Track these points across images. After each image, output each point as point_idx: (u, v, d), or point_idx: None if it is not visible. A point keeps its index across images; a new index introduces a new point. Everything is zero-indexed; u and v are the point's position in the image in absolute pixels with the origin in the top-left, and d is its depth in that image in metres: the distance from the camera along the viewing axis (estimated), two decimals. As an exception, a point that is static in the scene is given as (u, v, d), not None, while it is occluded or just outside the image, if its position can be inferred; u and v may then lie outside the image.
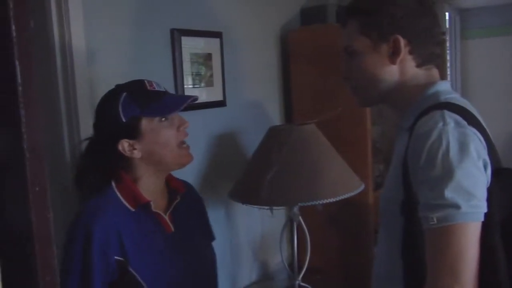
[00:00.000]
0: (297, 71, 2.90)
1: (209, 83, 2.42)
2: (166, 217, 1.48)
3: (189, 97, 1.48)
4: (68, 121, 1.85)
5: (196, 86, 2.33)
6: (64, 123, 1.85)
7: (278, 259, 2.63)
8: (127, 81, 1.78)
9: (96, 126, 1.49)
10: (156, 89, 1.45)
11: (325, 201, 2.05)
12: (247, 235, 2.69)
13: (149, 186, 1.46)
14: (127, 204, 1.41)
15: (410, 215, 1.13)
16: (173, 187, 1.55)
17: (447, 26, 6.57)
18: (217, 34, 2.45)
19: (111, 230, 1.35)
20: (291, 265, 2.50)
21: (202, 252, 1.60)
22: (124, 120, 1.39)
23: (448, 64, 6.52)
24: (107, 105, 1.44)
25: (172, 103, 1.44)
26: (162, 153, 1.43)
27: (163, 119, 1.43)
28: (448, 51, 6.49)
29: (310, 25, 2.97)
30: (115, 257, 1.35)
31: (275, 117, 2.94)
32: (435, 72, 1.29)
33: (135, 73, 2.07)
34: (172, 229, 1.48)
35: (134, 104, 1.40)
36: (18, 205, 0.73)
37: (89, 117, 1.87)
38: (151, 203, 1.43)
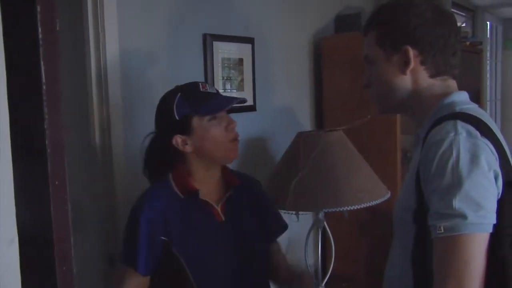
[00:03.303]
0: (329, 77, 2.91)
1: (240, 88, 2.45)
2: (218, 207, 1.60)
3: (235, 98, 1.63)
4: (100, 122, 1.91)
5: (227, 90, 2.37)
6: (96, 124, 1.91)
7: (303, 265, 2.63)
8: (158, 83, 1.84)
9: (155, 122, 1.64)
10: (208, 90, 1.59)
11: (350, 208, 2.06)
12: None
13: (202, 177, 1.60)
14: (177, 191, 1.57)
15: (422, 223, 1.13)
16: (227, 180, 1.65)
17: (488, 35, 6.46)
18: (249, 40, 2.49)
19: (159, 213, 1.52)
20: (316, 271, 2.51)
21: (252, 245, 1.66)
22: (177, 117, 1.54)
23: (488, 74, 6.40)
24: (164, 103, 1.60)
25: (219, 103, 1.57)
26: (210, 149, 1.56)
27: (212, 118, 1.55)
28: (488, 61, 6.37)
29: (344, 32, 2.98)
30: (161, 237, 1.51)
31: (305, 123, 2.95)
32: (451, 82, 1.29)
33: (167, 76, 2.13)
34: (223, 218, 1.59)
35: (187, 103, 1.54)
36: (39, 197, 0.77)
37: (120, 119, 1.93)
38: (199, 191, 1.56)
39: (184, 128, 1.54)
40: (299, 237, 2.69)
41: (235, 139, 1.59)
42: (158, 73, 2.10)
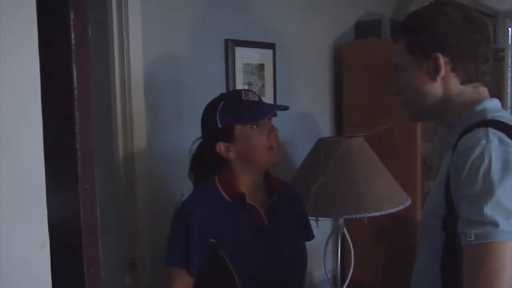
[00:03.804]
0: (349, 84, 2.91)
1: (261, 93, 2.46)
2: (262, 211, 1.63)
3: (277, 106, 1.67)
4: (123, 126, 1.93)
5: (259, 96, 2.38)
6: (119, 129, 1.93)
7: (322, 271, 2.62)
8: (180, 88, 1.85)
9: (201, 129, 1.67)
10: (251, 99, 1.61)
11: (370, 214, 2.05)
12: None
13: (246, 182, 1.63)
14: (224, 195, 1.60)
15: (451, 230, 1.12)
16: (271, 185, 1.68)
17: (510, 42, 6.39)
18: (270, 45, 2.50)
19: (208, 215, 1.55)
20: (335, 277, 2.50)
21: (293, 249, 1.70)
22: (220, 126, 1.57)
23: (509, 81, 6.32)
24: (208, 112, 1.63)
25: (260, 112, 1.59)
26: (253, 155, 1.59)
27: (254, 126, 1.57)
28: (509, 68, 6.29)
29: (364, 38, 2.97)
30: (210, 239, 1.54)
31: (326, 129, 2.95)
32: (482, 89, 1.28)
33: (189, 81, 2.15)
34: (266, 222, 1.63)
35: (229, 112, 1.57)
36: (69, 200, 0.78)
37: (143, 123, 1.94)
38: (246, 195, 1.59)
39: (227, 136, 1.58)
40: (318, 243, 2.68)
41: (276, 146, 1.62)
42: (181, 78, 2.12)
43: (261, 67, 2.45)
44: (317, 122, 2.89)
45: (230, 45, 2.28)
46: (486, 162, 1.06)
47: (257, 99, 1.63)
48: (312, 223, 2.15)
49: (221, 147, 1.58)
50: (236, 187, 1.60)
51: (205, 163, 1.66)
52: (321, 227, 2.20)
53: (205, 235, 1.54)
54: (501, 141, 1.09)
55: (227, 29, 2.30)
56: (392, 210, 2.10)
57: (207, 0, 2.24)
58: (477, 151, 1.08)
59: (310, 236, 1.85)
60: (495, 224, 1.02)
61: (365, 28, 3.02)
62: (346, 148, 2.19)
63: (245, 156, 1.59)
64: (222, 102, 1.59)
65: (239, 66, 2.33)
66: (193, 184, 1.72)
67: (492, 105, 1.24)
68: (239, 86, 2.34)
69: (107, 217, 2.02)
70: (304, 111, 2.79)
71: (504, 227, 1.02)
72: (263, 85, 2.47)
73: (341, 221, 2.29)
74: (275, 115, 1.67)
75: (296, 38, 2.70)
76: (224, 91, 2.28)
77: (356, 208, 2.07)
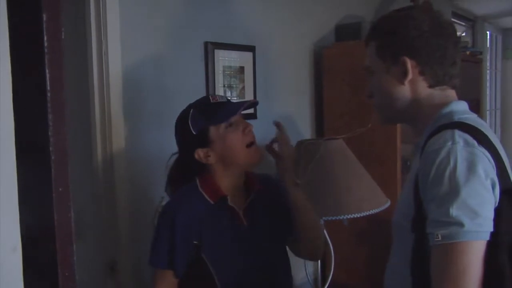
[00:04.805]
0: (330, 86, 2.93)
1: (241, 96, 2.46)
2: (241, 212, 1.62)
3: (245, 102, 1.64)
4: (102, 130, 1.92)
5: (228, 98, 2.38)
6: (98, 133, 1.92)
7: (302, 273, 2.63)
8: (160, 91, 1.85)
9: (176, 142, 1.67)
10: (219, 100, 1.62)
11: (350, 216, 2.06)
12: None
13: (227, 184, 1.63)
14: (207, 197, 1.60)
15: (420, 231, 1.14)
16: (249, 184, 1.68)
17: (488, 45, 6.48)
18: (250, 48, 2.50)
19: (192, 217, 1.56)
20: (315, 279, 2.51)
21: (273, 249, 1.68)
22: (194, 132, 1.58)
23: (488, 84, 6.42)
24: (180, 122, 1.63)
25: (230, 110, 1.59)
26: (232, 155, 1.59)
27: (228, 125, 1.58)
28: (488, 70, 6.39)
29: (344, 41, 2.99)
30: (194, 241, 1.54)
31: (306, 131, 2.96)
32: (450, 92, 1.30)
33: (169, 84, 2.14)
34: (245, 223, 1.62)
35: (201, 117, 1.58)
36: (43, 203, 0.78)
37: (121, 127, 1.93)
38: (228, 197, 1.59)
39: (203, 141, 1.58)
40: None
41: (252, 142, 1.63)
42: (160, 81, 2.12)
43: (241, 69, 2.45)
44: (298, 124, 2.90)
45: (210, 47, 2.28)
46: (451, 163, 1.08)
47: (225, 100, 1.64)
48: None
49: (199, 153, 1.58)
50: (219, 189, 1.60)
51: (186, 174, 1.66)
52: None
53: (189, 237, 1.54)
54: (466, 143, 1.11)
55: (207, 31, 2.30)
56: (371, 212, 2.11)
57: (187, 3, 2.24)
58: (443, 153, 1.10)
59: (290, 230, 1.80)
60: (460, 225, 1.04)
61: (345, 31, 3.05)
62: (326, 150, 2.21)
63: (224, 158, 1.59)
64: (192, 109, 1.60)
65: (219, 68, 2.33)
66: (169, 196, 1.71)
67: (459, 108, 1.26)
68: (220, 88, 2.35)
69: (87, 221, 2.01)
70: (285, 113, 2.80)
71: (470, 227, 1.04)
72: (243, 88, 2.47)
73: (321, 223, 2.30)
74: (252, 107, 1.67)
75: (276, 41, 2.71)
76: (204, 93, 2.28)
77: (336, 210, 2.09)
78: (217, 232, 1.58)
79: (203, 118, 1.57)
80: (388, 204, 2.23)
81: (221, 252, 1.57)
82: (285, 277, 1.73)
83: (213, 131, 1.57)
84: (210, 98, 1.63)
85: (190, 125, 1.58)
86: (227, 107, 1.60)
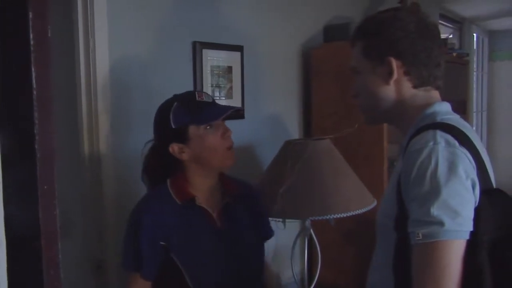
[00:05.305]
0: (318, 87, 2.94)
1: (229, 95, 2.47)
2: (214, 214, 1.62)
3: (231, 107, 1.64)
4: (89, 129, 1.91)
5: (216, 97, 2.38)
6: (85, 131, 1.91)
7: (289, 273, 2.64)
8: (147, 91, 1.84)
9: (154, 130, 1.66)
10: (204, 99, 1.61)
11: (336, 216, 2.07)
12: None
13: (199, 184, 1.62)
14: (175, 198, 1.59)
15: (402, 230, 1.16)
16: (226, 187, 1.68)
17: (475, 47, 6.54)
18: (238, 48, 2.51)
19: (159, 218, 1.55)
20: (302, 279, 2.52)
21: (250, 252, 1.69)
22: (174, 126, 1.57)
23: (474, 86, 6.48)
24: (161, 112, 1.62)
25: (215, 113, 1.59)
26: (207, 156, 1.59)
27: (208, 126, 1.57)
28: (474, 72, 6.44)
29: (333, 42, 3.01)
30: (161, 243, 1.54)
31: (294, 131, 2.97)
32: (434, 93, 1.32)
33: (156, 84, 2.14)
34: (219, 224, 1.62)
35: (183, 113, 1.57)
36: (27, 202, 0.78)
37: (109, 126, 1.93)
38: (196, 198, 1.59)
39: (181, 137, 1.57)
40: (285, 245, 2.70)
41: (230, 147, 1.62)
42: (148, 80, 2.11)
43: (229, 69, 2.46)
44: (286, 124, 2.91)
45: (198, 47, 2.28)
46: (433, 163, 1.10)
47: (210, 100, 1.63)
48: (280, 225, 2.17)
49: (174, 148, 1.58)
50: (187, 190, 1.60)
51: (158, 165, 1.65)
52: (289, 229, 2.22)
53: (156, 238, 1.53)
54: (447, 143, 1.13)
55: (195, 31, 2.30)
56: (358, 212, 2.12)
57: (175, 2, 2.23)
58: (424, 153, 1.12)
59: (269, 234, 1.85)
60: (441, 224, 1.06)
61: (333, 32, 3.06)
62: (313, 150, 2.21)
63: (199, 157, 1.58)
64: (176, 103, 1.59)
65: (207, 68, 2.33)
66: (146, 186, 1.71)
67: (441, 108, 1.28)
68: (208, 88, 2.35)
69: (73, 219, 2.00)
70: (273, 113, 2.80)
71: (450, 226, 1.06)
72: (231, 88, 2.47)
73: (308, 222, 2.31)
74: (236, 114, 1.70)
75: (265, 41, 2.71)
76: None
77: (323, 210, 2.09)
78: (185, 232, 1.57)
79: (186, 115, 1.56)
80: (374, 204, 2.24)
81: (192, 252, 1.56)
82: (258, 279, 1.73)
83: (192, 129, 1.57)
84: (196, 94, 1.61)
85: (171, 118, 1.57)
86: (212, 109, 1.59)
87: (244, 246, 1.67)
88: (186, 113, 1.56)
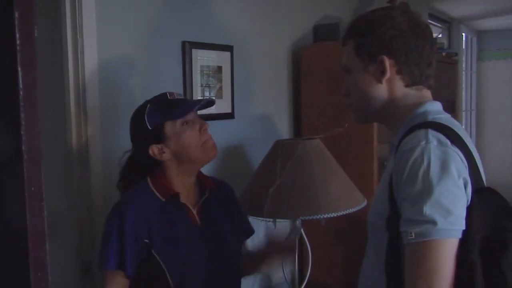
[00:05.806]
0: (307, 86, 2.94)
1: (219, 95, 2.46)
2: (194, 210, 1.63)
3: (202, 100, 1.66)
4: (77, 129, 1.90)
5: (205, 97, 2.38)
6: (74, 132, 1.90)
7: (280, 273, 2.64)
8: (136, 91, 1.84)
9: (131, 137, 1.66)
10: (176, 98, 1.62)
11: (327, 215, 2.07)
12: (250, 247, 2.71)
13: (179, 182, 1.63)
14: (158, 195, 1.59)
15: (395, 230, 1.16)
16: (204, 184, 1.69)
17: (464, 47, 6.58)
18: (228, 48, 2.50)
19: (142, 216, 1.54)
20: (293, 279, 2.52)
21: (227, 247, 1.70)
22: (150, 127, 1.57)
23: (463, 85, 6.51)
24: (135, 117, 1.63)
25: (186, 106, 1.60)
26: (187, 153, 1.59)
27: (185, 123, 1.58)
28: (463, 72, 6.48)
29: (322, 42, 3.01)
30: (144, 240, 1.54)
31: (284, 131, 2.97)
32: (426, 92, 1.32)
33: (146, 84, 2.13)
34: (198, 221, 1.63)
35: (157, 112, 1.58)
36: (15, 203, 0.77)
37: (98, 126, 1.92)
38: (180, 194, 1.59)
39: (158, 136, 1.57)
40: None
41: (207, 141, 1.62)
42: (137, 81, 2.10)
43: (219, 69, 2.45)
44: (276, 124, 2.91)
45: (188, 47, 2.28)
46: (425, 162, 1.10)
47: (182, 97, 1.66)
48: (270, 225, 2.17)
49: (154, 149, 1.58)
50: (170, 186, 1.61)
51: (139, 172, 1.65)
52: (280, 228, 2.22)
53: (139, 235, 1.53)
54: (439, 142, 1.13)
55: (184, 31, 2.30)
56: (348, 211, 2.13)
57: (165, 1, 2.23)
58: (417, 152, 1.12)
59: (248, 232, 1.86)
60: (433, 223, 1.07)
61: (323, 32, 3.06)
62: (303, 150, 2.21)
63: (179, 155, 1.59)
64: (149, 105, 1.60)
65: (197, 68, 2.33)
66: (120, 192, 1.70)
67: (433, 108, 1.28)
68: (197, 88, 2.34)
69: (62, 220, 1.99)
70: (263, 113, 2.80)
71: (442, 225, 1.06)
72: (221, 87, 2.47)
73: (298, 222, 2.31)
74: (209, 106, 1.68)
75: (254, 40, 2.71)
76: (181, 92, 2.27)
77: (313, 209, 2.09)
78: (168, 229, 1.58)
79: (160, 114, 1.57)
80: (365, 203, 2.25)
81: (173, 249, 1.57)
82: (237, 275, 1.75)
83: (168, 127, 1.57)
84: (168, 95, 1.63)
85: (146, 120, 1.57)
86: (184, 103, 1.60)
87: (223, 243, 1.68)
88: (160, 112, 1.57)
